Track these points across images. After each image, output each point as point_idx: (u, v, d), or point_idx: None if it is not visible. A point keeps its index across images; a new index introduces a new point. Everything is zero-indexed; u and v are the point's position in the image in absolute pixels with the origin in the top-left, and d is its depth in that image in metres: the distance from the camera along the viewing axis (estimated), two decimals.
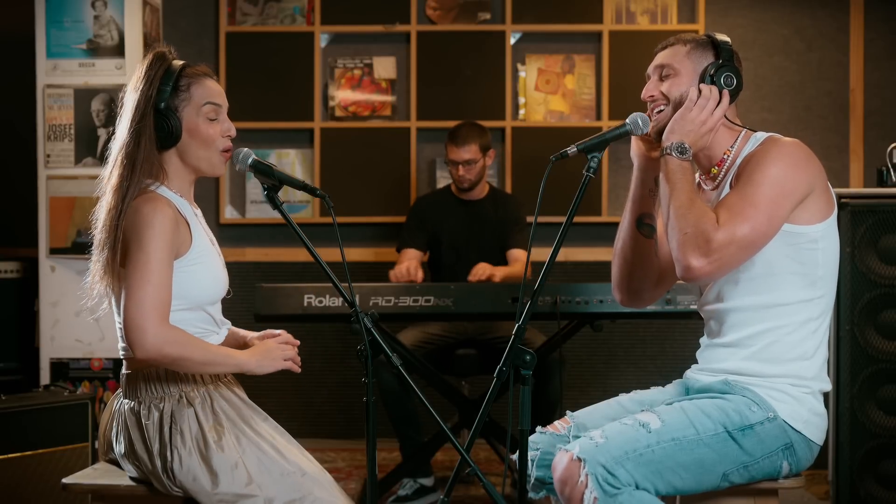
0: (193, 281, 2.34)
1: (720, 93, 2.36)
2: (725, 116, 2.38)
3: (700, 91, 2.36)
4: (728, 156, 2.40)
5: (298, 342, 2.48)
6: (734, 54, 2.40)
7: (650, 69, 2.45)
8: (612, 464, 2.16)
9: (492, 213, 4.37)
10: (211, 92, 2.40)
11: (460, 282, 4.03)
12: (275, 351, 2.40)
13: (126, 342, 2.26)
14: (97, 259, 2.37)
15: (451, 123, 4.49)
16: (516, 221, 4.35)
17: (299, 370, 2.44)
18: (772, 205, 2.24)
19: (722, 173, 2.41)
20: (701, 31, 4.98)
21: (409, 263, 4.06)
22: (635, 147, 2.48)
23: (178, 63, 2.39)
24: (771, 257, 2.30)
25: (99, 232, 2.36)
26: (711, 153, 2.41)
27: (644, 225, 2.48)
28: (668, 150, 2.33)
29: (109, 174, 2.37)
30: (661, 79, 2.42)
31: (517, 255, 4.28)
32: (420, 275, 4.04)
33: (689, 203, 2.27)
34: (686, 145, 2.33)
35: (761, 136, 2.38)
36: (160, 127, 2.35)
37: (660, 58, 2.44)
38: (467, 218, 4.38)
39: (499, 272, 4.03)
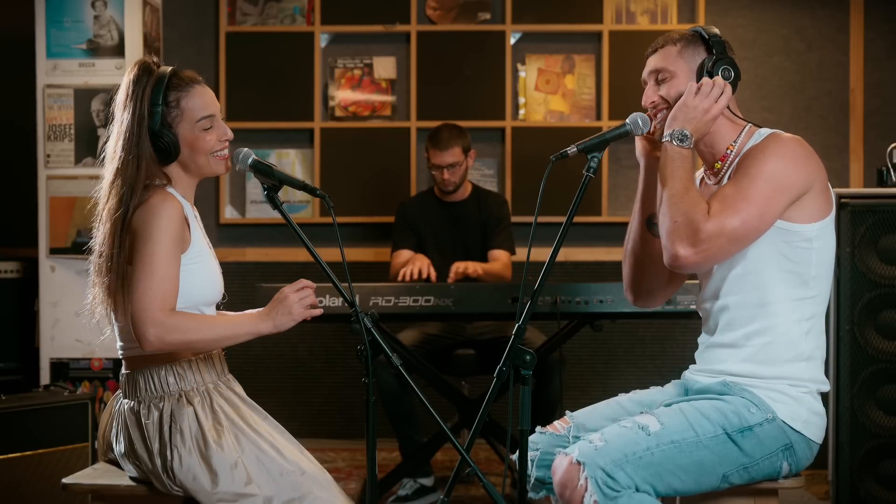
0: (190, 280, 2.35)
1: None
2: (729, 108, 2.36)
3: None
4: (731, 150, 2.37)
5: (315, 285, 2.34)
6: (726, 45, 2.37)
7: (645, 75, 2.42)
8: (612, 467, 2.16)
9: (475, 213, 4.36)
10: (202, 104, 2.39)
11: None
12: (290, 302, 2.31)
13: (134, 338, 2.27)
14: (99, 282, 2.36)
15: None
16: (498, 220, 4.33)
17: (321, 312, 2.34)
18: (765, 200, 2.22)
19: (725, 168, 2.38)
20: None
21: (423, 263, 4.06)
22: (640, 147, 2.46)
23: (165, 71, 2.37)
24: (764, 254, 2.28)
25: (96, 256, 2.36)
26: (715, 149, 2.40)
27: (653, 224, 2.46)
28: (669, 138, 2.31)
29: (107, 199, 2.34)
30: (658, 83, 2.39)
31: (497, 255, 4.27)
32: (434, 274, 4.05)
33: (683, 191, 2.25)
34: (687, 132, 2.30)
35: (765, 131, 2.36)
36: (158, 147, 2.35)
37: (652, 62, 2.41)
38: (451, 220, 4.37)
39: (477, 265, 4.04)
